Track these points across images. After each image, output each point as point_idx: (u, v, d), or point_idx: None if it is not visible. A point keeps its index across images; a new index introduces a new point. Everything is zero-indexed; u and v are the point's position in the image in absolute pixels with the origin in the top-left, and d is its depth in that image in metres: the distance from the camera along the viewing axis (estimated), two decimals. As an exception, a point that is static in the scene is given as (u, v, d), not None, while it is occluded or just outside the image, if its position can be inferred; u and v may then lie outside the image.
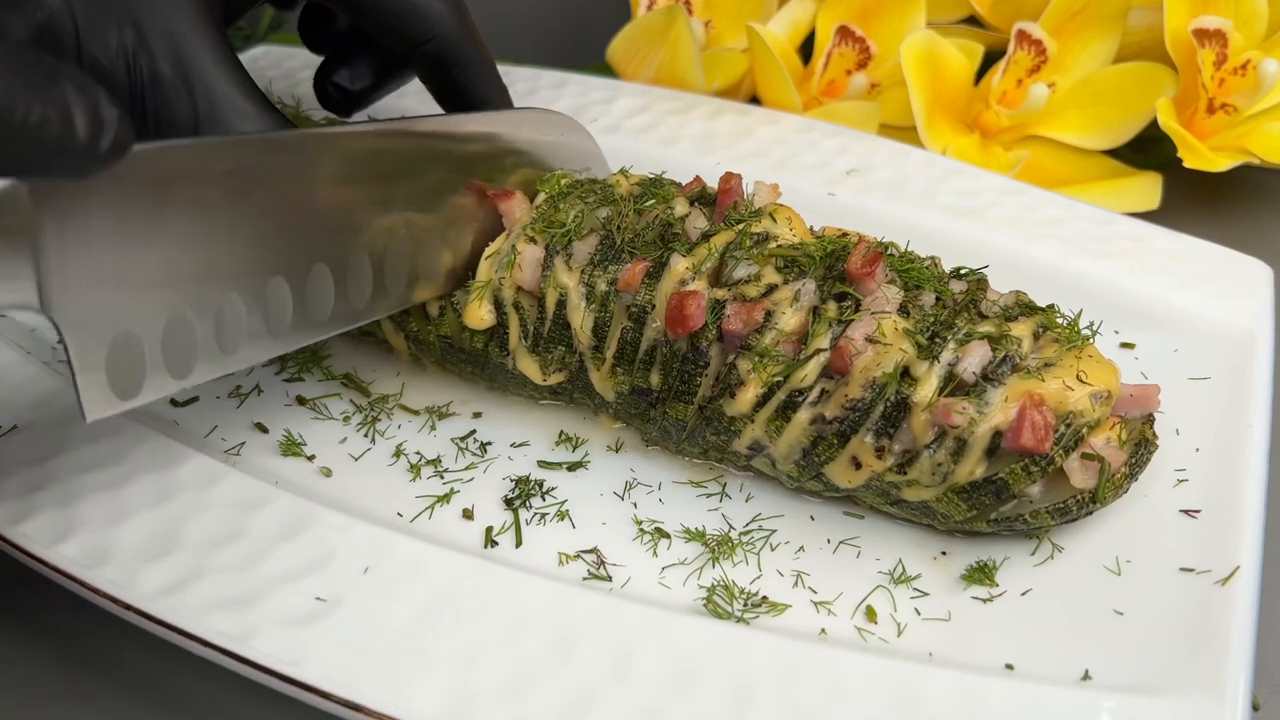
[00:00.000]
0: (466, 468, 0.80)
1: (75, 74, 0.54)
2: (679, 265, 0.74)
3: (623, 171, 0.84)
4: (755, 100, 1.19)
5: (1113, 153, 1.12)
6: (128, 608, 0.66)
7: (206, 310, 0.66)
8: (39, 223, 0.56)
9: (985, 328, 0.71)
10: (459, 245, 0.81)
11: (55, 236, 0.57)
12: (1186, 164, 1.04)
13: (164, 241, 0.63)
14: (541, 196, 0.81)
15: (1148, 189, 1.07)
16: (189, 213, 0.64)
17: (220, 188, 0.65)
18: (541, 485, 0.79)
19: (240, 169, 0.66)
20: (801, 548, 0.74)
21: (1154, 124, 1.07)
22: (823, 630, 0.69)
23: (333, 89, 0.92)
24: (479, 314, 0.78)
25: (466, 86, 0.88)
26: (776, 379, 0.71)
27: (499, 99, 0.91)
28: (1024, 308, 0.74)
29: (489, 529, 0.75)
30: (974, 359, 0.69)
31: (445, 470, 0.80)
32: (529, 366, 0.80)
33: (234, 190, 0.66)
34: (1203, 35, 1.04)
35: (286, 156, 0.69)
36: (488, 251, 0.79)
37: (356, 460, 0.81)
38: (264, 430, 0.82)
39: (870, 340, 0.70)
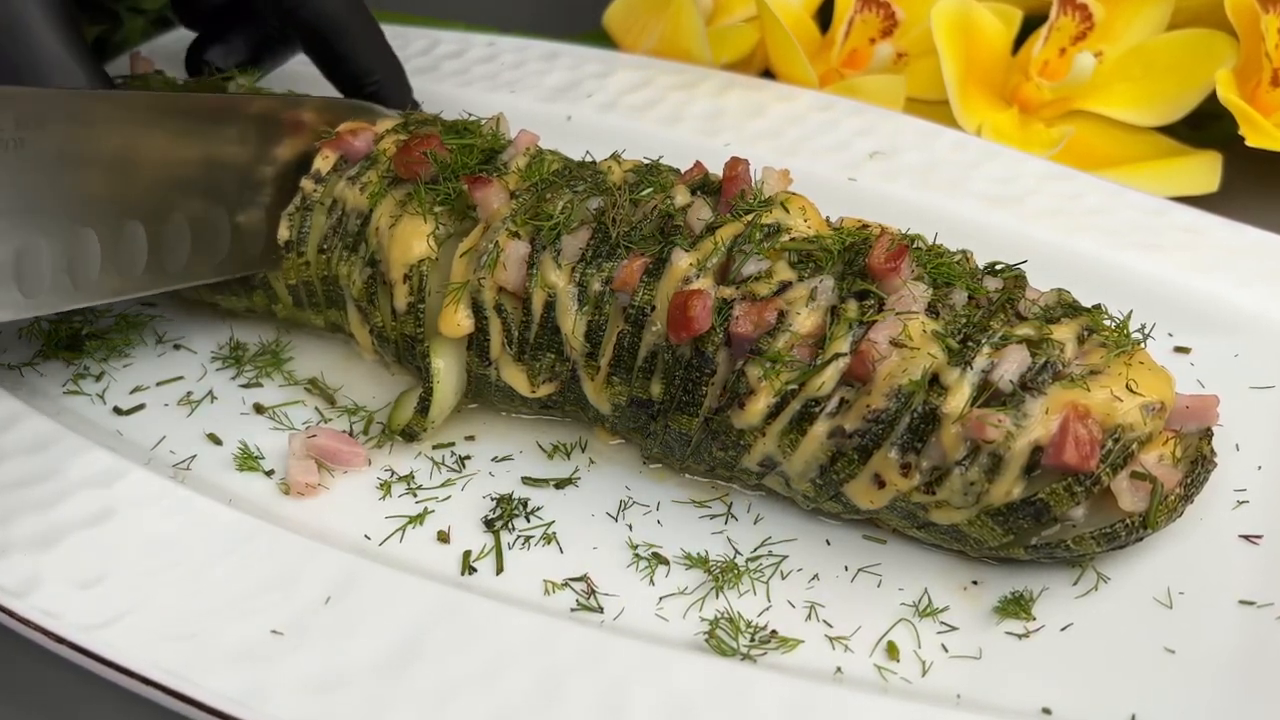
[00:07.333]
0: (442, 485, 0.79)
1: None
2: (681, 261, 0.73)
3: (614, 157, 0.83)
4: (768, 74, 1.18)
5: (1166, 130, 1.11)
6: (60, 640, 0.66)
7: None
8: None
9: (1023, 330, 0.70)
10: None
11: None
12: (1249, 142, 1.03)
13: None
14: (523, 184, 0.80)
15: (1205, 170, 1.06)
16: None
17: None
18: (526, 505, 0.78)
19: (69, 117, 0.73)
20: (816, 576, 0.73)
21: (1212, 98, 1.06)
22: (838, 669, 0.68)
23: (205, 67, 0.96)
24: (455, 319, 0.77)
25: (349, 55, 0.93)
26: (790, 387, 0.70)
27: (386, 68, 0.95)
28: (1067, 308, 0.74)
29: (467, 553, 0.75)
30: (1011, 365, 0.68)
31: (419, 488, 0.79)
32: (515, 377, 0.79)
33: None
34: (1267, -1, 1.04)
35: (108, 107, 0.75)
36: (463, 248, 0.78)
37: (320, 475, 0.80)
38: (217, 442, 0.82)
39: (895, 344, 0.69)
